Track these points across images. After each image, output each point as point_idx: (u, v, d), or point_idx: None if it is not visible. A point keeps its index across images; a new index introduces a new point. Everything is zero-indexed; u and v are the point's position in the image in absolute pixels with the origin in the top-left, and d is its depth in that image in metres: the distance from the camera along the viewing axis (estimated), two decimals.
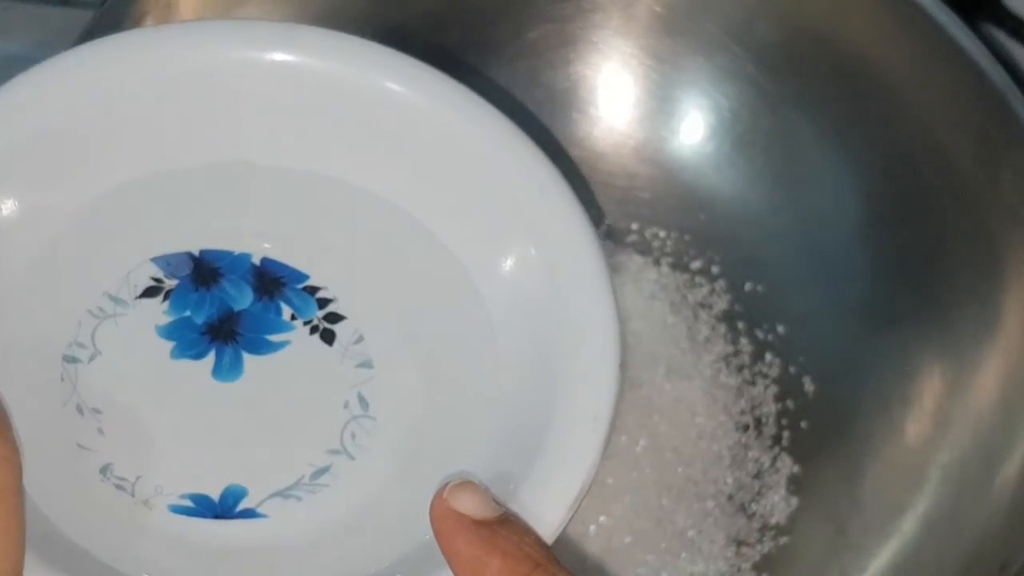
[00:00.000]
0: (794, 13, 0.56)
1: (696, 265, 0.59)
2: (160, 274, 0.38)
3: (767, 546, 0.53)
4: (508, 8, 0.59)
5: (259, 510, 0.36)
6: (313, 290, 0.38)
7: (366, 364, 0.38)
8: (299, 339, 0.38)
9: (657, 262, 0.59)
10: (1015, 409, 0.50)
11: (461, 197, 0.39)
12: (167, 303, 0.37)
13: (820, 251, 0.57)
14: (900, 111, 0.55)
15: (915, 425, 0.53)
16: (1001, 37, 0.60)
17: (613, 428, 0.37)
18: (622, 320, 0.39)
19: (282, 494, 0.36)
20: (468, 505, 0.33)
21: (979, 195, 0.52)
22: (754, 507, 0.54)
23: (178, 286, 0.37)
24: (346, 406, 0.37)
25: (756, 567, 0.53)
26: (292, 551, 0.36)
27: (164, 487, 0.36)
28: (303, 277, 0.38)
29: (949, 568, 0.49)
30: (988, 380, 0.51)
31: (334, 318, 0.38)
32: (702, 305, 0.58)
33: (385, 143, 0.39)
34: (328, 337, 0.38)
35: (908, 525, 0.51)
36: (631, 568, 0.52)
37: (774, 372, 0.57)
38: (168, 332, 0.37)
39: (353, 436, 0.37)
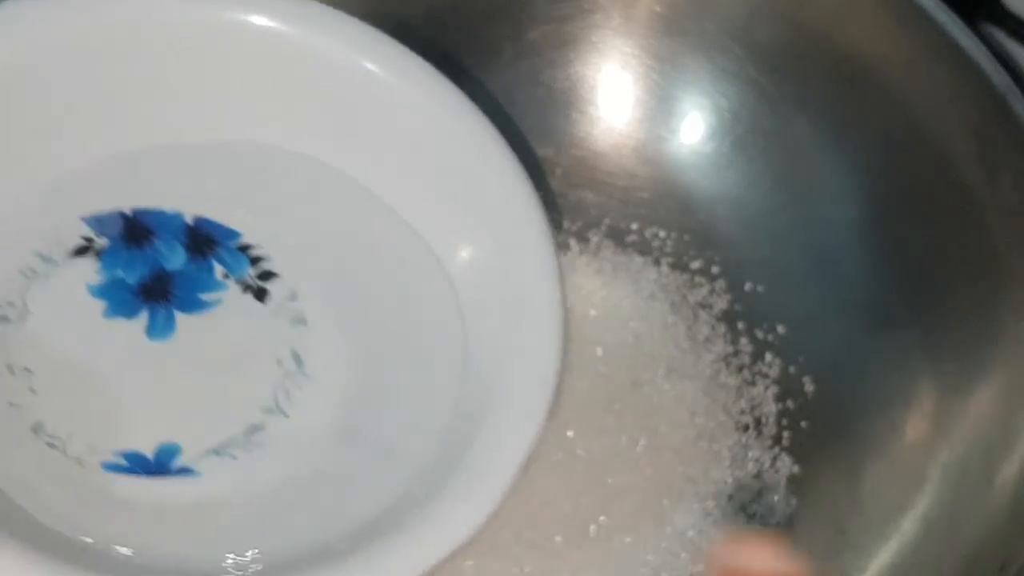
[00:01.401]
0: (795, 13, 0.56)
1: (696, 265, 0.59)
2: (91, 233, 0.37)
3: None
4: (508, 8, 0.59)
5: (194, 468, 0.36)
6: (245, 248, 0.38)
7: (300, 321, 0.38)
8: (232, 297, 0.38)
9: (657, 262, 0.59)
10: (1015, 409, 0.50)
11: (408, 165, 0.39)
12: (99, 262, 0.37)
13: (820, 251, 0.57)
14: (900, 111, 0.55)
15: (915, 425, 0.53)
16: (1001, 37, 0.60)
17: (557, 395, 0.37)
18: (566, 298, 0.39)
19: (217, 452, 0.36)
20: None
21: (979, 195, 0.52)
22: (754, 507, 0.54)
23: (110, 245, 0.37)
24: (280, 363, 0.37)
25: None
26: (229, 509, 0.35)
27: (97, 445, 0.35)
28: (235, 235, 0.38)
29: (949, 568, 0.49)
30: (988, 380, 0.52)
31: (267, 276, 0.38)
32: (702, 305, 0.58)
33: (331, 109, 0.38)
34: (261, 295, 0.38)
35: (908, 525, 0.51)
36: (631, 568, 0.52)
37: (774, 372, 0.57)
38: (100, 291, 0.37)
39: (287, 393, 0.37)
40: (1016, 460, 0.49)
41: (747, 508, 0.54)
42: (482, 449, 0.36)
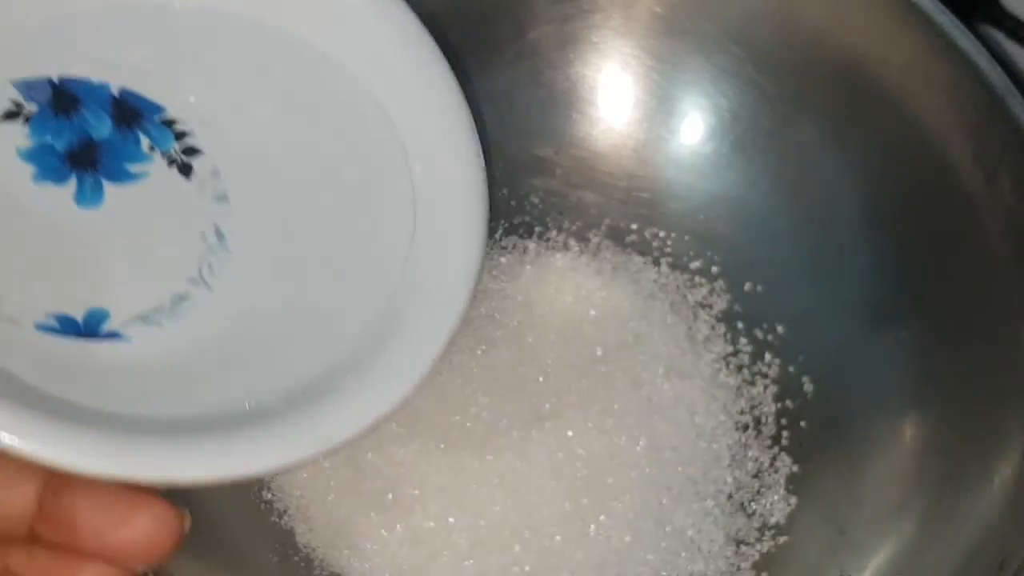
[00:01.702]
0: (794, 14, 0.56)
1: (696, 265, 0.59)
2: (20, 98, 0.38)
3: (766, 545, 0.53)
4: (508, 8, 0.59)
5: (122, 332, 0.36)
6: (170, 123, 0.39)
7: (222, 198, 0.38)
8: (158, 170, 0.38)
9: (657, 262, 0.59)
10: (1013, 408, 0.50)
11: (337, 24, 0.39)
12: (28, 127, 0.38)
13: (820, 251, 0.58)
14: (899, 111, 0.55)
15: (914, 425, 0.53)
16: (1000, 38, 0.60)
17: (480, 277, 0.38)
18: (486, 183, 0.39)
19: (143, 318, 0.37)
20: None
21: (978, 195, 0.52)
22: (753, 506, 0.54)
23: (38, 112, 0.38)
24: (204, 238, 0.38)
25: (755, 566, 0.53)
26: (158, 374, 0.36)
27: (29, 306, 0.36)
28: (160, 109, 0.39)
29: (948, 567, 0.49)
30: (986, 379, 0.52)
31: (191, 152, 0.39)
32: (702, 305, 0.58)
33: None
34: (186, 170, 0.39)
35: (907, 524, 0.51)
36: (631, 568, 0.52)
37: (773, 372, 0.57)
38: (29, 156, 0.38)
39: (211, 267, 0.38)
40: (1014, 459, 0.49)
41: (746, 507, 0.54)
42: (414, 319, 0.36)
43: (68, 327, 0.36)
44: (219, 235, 0.38)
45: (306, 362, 0.36)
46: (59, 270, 0.37)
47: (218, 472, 0.34)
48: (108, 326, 0.36)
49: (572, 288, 0.58)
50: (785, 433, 0.56)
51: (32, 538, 0.33)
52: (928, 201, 0.54)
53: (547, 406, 0.54)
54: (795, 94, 0.57)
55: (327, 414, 0.35)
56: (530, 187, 0.60)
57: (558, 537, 0.52)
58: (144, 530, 0.33)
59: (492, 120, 0.59)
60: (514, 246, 0.59)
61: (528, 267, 0.58)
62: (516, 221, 0.60)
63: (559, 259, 0.59)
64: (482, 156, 0.41)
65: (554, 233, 0.60)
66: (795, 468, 0.55)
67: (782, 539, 0.53)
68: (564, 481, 0.53)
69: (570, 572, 0.52)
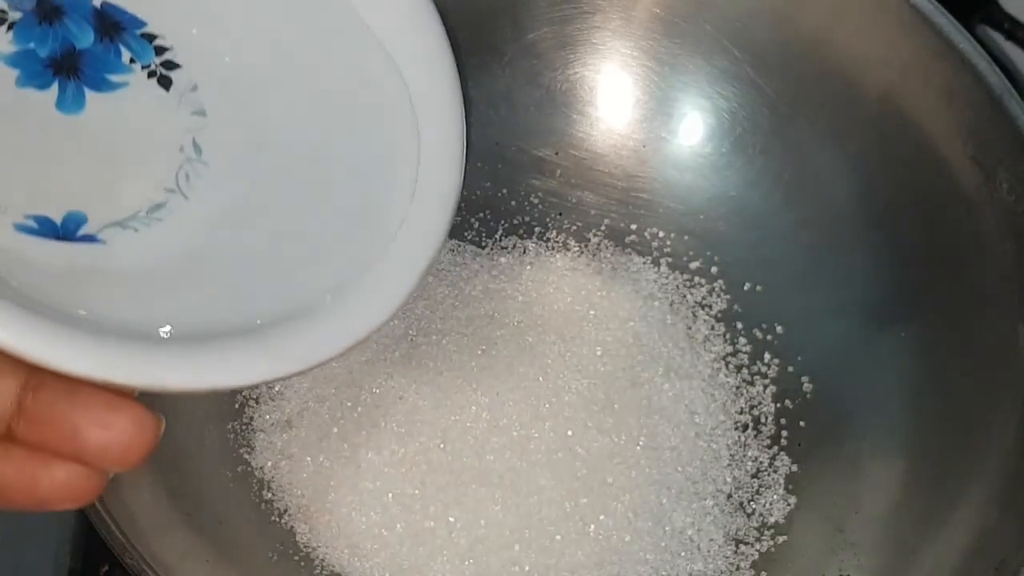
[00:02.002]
0: (793, 15, 0.56)
1: (695, 265, 0.59)
2: (4, 5, 0.38)
3: (765, 545, 0.53)
4: (508, 9, 0.59)
5: (98, 236, 0.37)
6: (151, 37, 0.39)
7: (199, 112, 0.39)
8: (138, 82, 0.39)
9: (656, 262, 0.59)
10: (1011, 408, 0.50)
11: None
12: (12, 34, 0.38)
13: (819, 251, 0.58)
14: (898, 112, 0.55)
15: (912, 424, 0.53)
16: (999, 39, 0.60)
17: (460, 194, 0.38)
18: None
19: (120, 224, 0.38)
20: None
21: (976, 195, 0.52)
22: (753, 506, 0.54)
23: (22, 19, 0.38)
24: (181, 149, 0.39)
25: (755, 566, 0.53)
26: (136, 281, 0.37)
27: (8, 206, 0.37)
28: (141, 24, 0.39)
29: (946, 567, 0.49)
30: (985, 379, 0.52)
31: (170, 66, 0.39)
32: (701, 305, 0.58)
33: None
34: (165, 83, 0.39)
35: (905, 524, 0.52)
36: (630, 567, 0.52)
37: (773, 372, 0.57)
38: (13, 61, 0.38)
39: (187, 177, 0.39)
40: (1012, 459, 0.49)
41: (746, 507, 0.54)
42: (396, 240, 0.37)
43: (47, 228, 0.37)
44: (196, 147, 0.39)
45: (284, 281, 0.37)
46: (39, 173, 0.38)
47: (201, 381, 0.34)
48: (85, 230, 0.37)
49: (572, 288, 0.58)
50: (784, 433, 0.56)
51: (8, 437, 0.33)
52: (927, 201, 0.55)
53: (547, 406, 0.54)
54: (794, 95, 0.57)
55: (305, 334, 0.36)
56: (530, 187, 0.60)
57: (558, 537, 0.52)
58: (122, 432, 0.33)
59: (492, 121, 0.59)
60: (514, 246, 0.59)
61: (528, 267, 0.58)
62: (516, 221, 0.60)
63: (559, 259, 0.59)
64: (458, 77, 0.41)
65: (554, 233, 0.60)
66: (794, 468, 0.55)
67: (781, 538, 0.53)
68: (564, 481, 0.53)
69: (570, 572, 0.52)
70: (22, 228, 0.37)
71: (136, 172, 0.39)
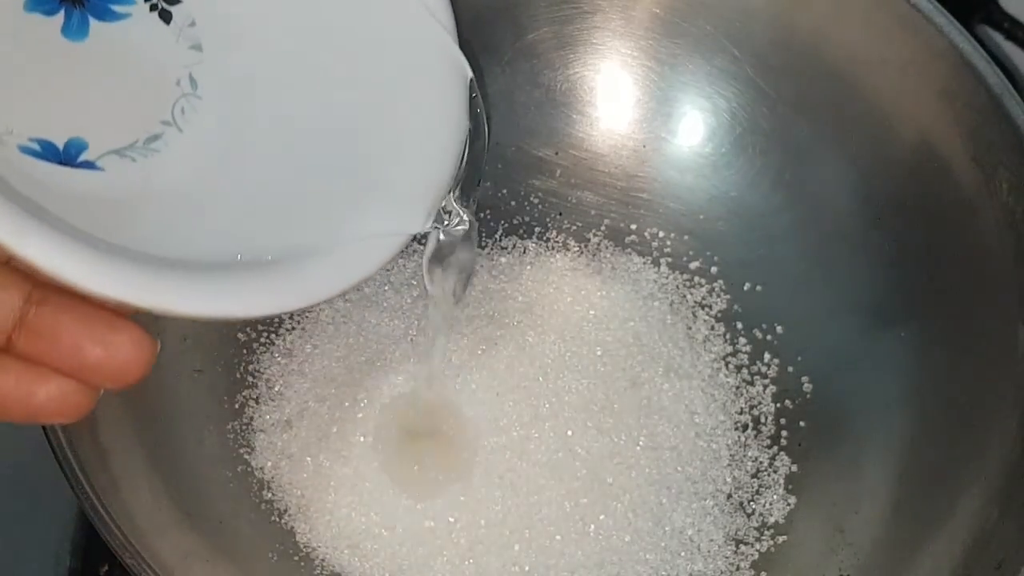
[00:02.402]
0: (793, 15, 0.56)
1: (695, 265, 0.59)
2: None
3: (765, 545, 0.53)
4: (508, 10, 0.59)
5: (97, 163, 0.38)
6: None
7: (196, 47, 0.40)
8: (140, 14, 0.40)
9: (656, 262, 0.59)
10: (1010, 408, 0.50)
11: None
12: None
13: (819, 251, 0.58)
14: (897, 112, 0.55)
15: (912, 424, 0.53)
16: (998, 39, 0.60)
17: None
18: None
19: (118, 152, 0.39)
20: None
21: (976, 195, 0.52)
22: (753, 506, 0.54)
23: None
24: (178, 83, 0.40)
25: (755, 566, 0.53)
26: (134, 209, 0.38)
27: (13, 128, 0.37)
28: None
29: (946, 567, 0.49)
30: (984, 379, 0.52)
31: (171, 0, 0.40)
32: (701, 305, 0.58)
33: None
34: (166, 17, 0.40)
35: (905, 523, 0.52)
36: (630, 567, 0.52)
37: (773, 372, 0.57)
38: None
39: (183, 111, 0.39)
40: (1012, 458, 0.49)
41: (746, 507, 0.54)
42: (400, 176, 0.38)
43: (49, 152, 0.38)
44: (192, 82, 0.40)
45: (279, 220, 0.37)
46: (44, 97, 0.39)
47: (212, 308, 0.35)
48: (85, 156, 0.38)
49: (572, 288, 0.58)
50: (784, 433, 0.56)
51: (7, 349, 0.34)
52: (926, 202, 0.55)
53: (547, 406, 0.54)
54: (794, 95, 0.57)
55: (311, 270, 0.36)
56: (530, 187, 0.60)
57: (558, 537, 0.52)
58: (122, 351, 0.33)
59: (492, 121, 0.59)
60: (514, 246, 0.59)
61: (528, 267, 0.58)
62: (516, 221, 0.60)
63: (559, 259, 0.59)
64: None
65: (554, 233, 0.60)
66: (794, 468, 0.55)
67: (781, 538, 0.53)
68: (564, 481, 0.53)
69: (570, 572, 0.52)
70: (26, 151, 0.37)
71: (135, 103, 0.40)
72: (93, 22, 0.39)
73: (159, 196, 0.38)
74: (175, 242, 0.37)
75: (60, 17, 0.39)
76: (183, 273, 0.35)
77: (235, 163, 0.39)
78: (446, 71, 0.40)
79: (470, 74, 0.41)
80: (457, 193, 0.40)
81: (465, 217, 0.40)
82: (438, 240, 0.42)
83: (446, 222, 0.40)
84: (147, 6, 0.40)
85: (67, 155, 0.38)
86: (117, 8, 0.40)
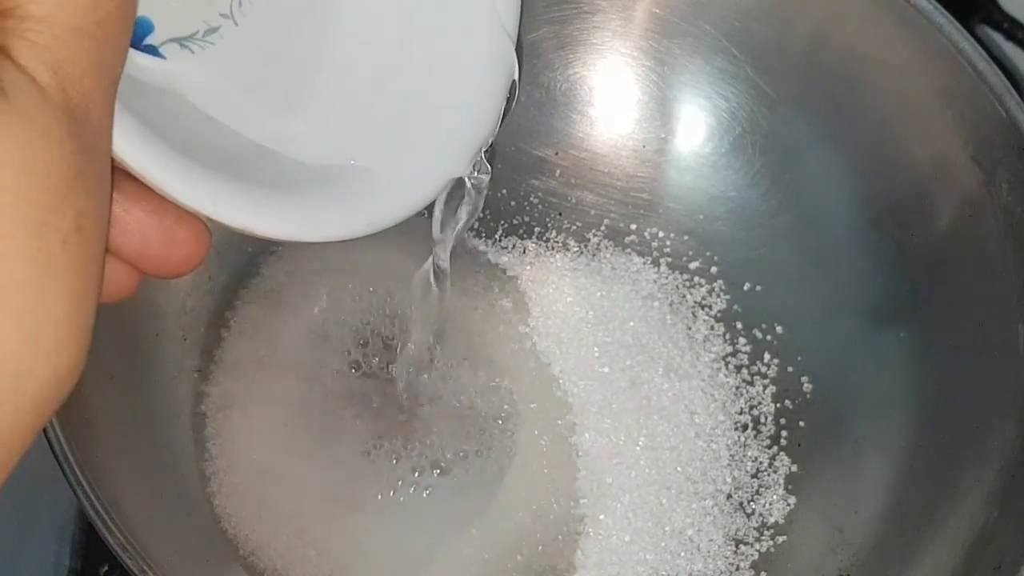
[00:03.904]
0: (792, 15, 0.56)
1: (695, 265, 0.59)
2: None
3: (765, 545, 0.53)
4: None
5: (160, 49, 0.37)
6: None
7: None
8: None
9: (656, 262, 0.59)
10: (1010, 407, 0.50)
11: None
12: None
13: (818, 251, 0.58)
14: (897, 112, 0.55)
15: (912, 424, 0.53)
16: (998, 39, 0.60)
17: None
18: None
19: (178, 41, 0.38)
20: None
21: (975, 195, 0.52)
22: (752, 506, 0.54)
23: None
24: None
25: (754, 566, 0.53)
26: (193, 105, 0.37)
27: None
28: None
29: (946, 567, 0.49)
30: (984, 379, 0.52)
31: None
32: (701, 305, 0.58)
33: None
34: None
35: (905, 523, 0.52)
36: (630, 567, 0.52)
37: (772, 372, 0.57)
38: None
39: (240, 5, 0.39)
40: (1012, 459, 0.49)
41: (745, 507, 0.54)
42: (451, 126, 0.38)
43: None
44: None
45: (329, 134, 0.37)
46: None
47: (289, 231, 0.35)
48: (150, 39, 0.37)
49: (572, 288, 0.58)
50: (784, 433, 0.56)
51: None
52: (926, 202, 0.55)
53: (547, 406, 0.54)
54: (794, 95, 0.57)
55: (371, 200, 0.37)
56: (530, 187, 0.60)
57: (558, 537, 0.52)
58: (185, 245, 0.33)
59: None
60: (514, 246, 0.59)
61: (528, 267, 0.58)
62: (516, 221, 0.60)
63: (559, 259, 0.59)
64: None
65: (554, 233, 0.60)
66: (794, 468, 0.55)
67: (781, 539, 0.53)
68: (564, 481, 0.53)
69: (570, 572, 0.52)
70: None
71: None
72: None
73: (218, 89, 0.38)
74: (232, 140, 0.37)
75: None
76: (259, 191, 0.35)
77: (288, 61, 0.39)
78: (498, 59, 0.41)
79: (516, 73, 0.41)
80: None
81: (488, 167, 0.42)
82: (466, 186, 0.42)
83: (473, 172, 0.41)
84: None
85: (136, 37, 0.37)
86: None
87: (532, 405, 0.54)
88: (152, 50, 0.37)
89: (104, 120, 0.29)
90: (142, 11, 0.37)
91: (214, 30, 0.39)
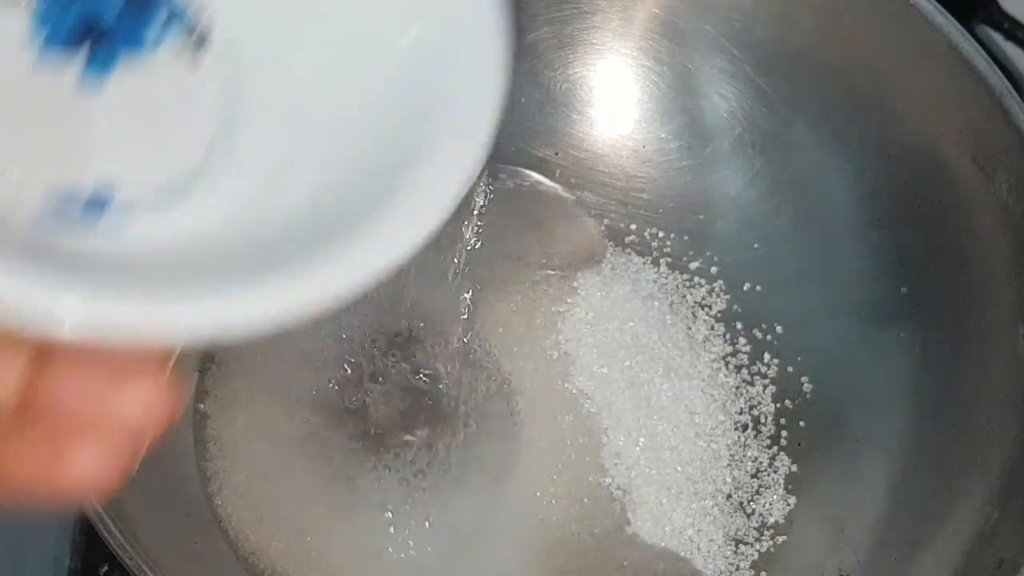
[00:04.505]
0: (792, 15, 0.56)
1: (695, 265, 0.59)
2: None
3: (765, 545, 0.53)
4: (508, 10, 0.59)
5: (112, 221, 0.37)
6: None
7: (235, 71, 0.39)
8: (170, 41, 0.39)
9: (656, 262, 0.59)
10: (1010, 407, 0.50)
11: None
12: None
13: (818, 251, 0.58)
14: (897, 112, 0.55)
15: (912, 424, 0.53)
16: (998, 39, 0.60)
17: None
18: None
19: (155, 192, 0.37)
20: None
21: (975, 195, 0.52)
22: (752, 506, 0.54)
23: None
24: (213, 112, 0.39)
25: (754, 566, 0.53)
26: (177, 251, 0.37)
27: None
28: None
29: (946, 566, 0.49)
30: (984, 379, 0.52)
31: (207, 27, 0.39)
32: (701, 305, 0.58)
33: None
34: (200, 43, 0.39)
35: (905, 523, 0.52)
36: (630, 567, 0.52)
37: (772, 372, 0.57)
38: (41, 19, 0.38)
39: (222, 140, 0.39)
40: (1012, 459, 0.49)
41: (745, 507, 0.54)
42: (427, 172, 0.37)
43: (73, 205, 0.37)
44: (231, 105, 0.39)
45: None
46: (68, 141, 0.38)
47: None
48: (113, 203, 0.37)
49: (571, 288, 0.58)
50: (784, 433, 0.56)
51: (20, 426, 0.28)
52: (926, 201, 0.55)
53: (546, 407, 0.54)
54: (793, 94, 0.57)
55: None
56: None
57: (559, 536, 0.52)
58: (144, 395, 0.28)
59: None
60: None
61: None
62: None
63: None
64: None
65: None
66: (794, 468, 0.55)
67: (781, 538, 0.53)
68: (564, 481, 0.53)
69: (570, 572, 0.52)
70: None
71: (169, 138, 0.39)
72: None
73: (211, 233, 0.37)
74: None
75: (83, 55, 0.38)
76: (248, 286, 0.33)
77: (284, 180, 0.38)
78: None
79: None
80: None
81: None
82: None
83: None
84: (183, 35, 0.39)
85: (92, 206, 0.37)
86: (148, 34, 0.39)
87: (532, 406, 0.54)
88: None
89: None
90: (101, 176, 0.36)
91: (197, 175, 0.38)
